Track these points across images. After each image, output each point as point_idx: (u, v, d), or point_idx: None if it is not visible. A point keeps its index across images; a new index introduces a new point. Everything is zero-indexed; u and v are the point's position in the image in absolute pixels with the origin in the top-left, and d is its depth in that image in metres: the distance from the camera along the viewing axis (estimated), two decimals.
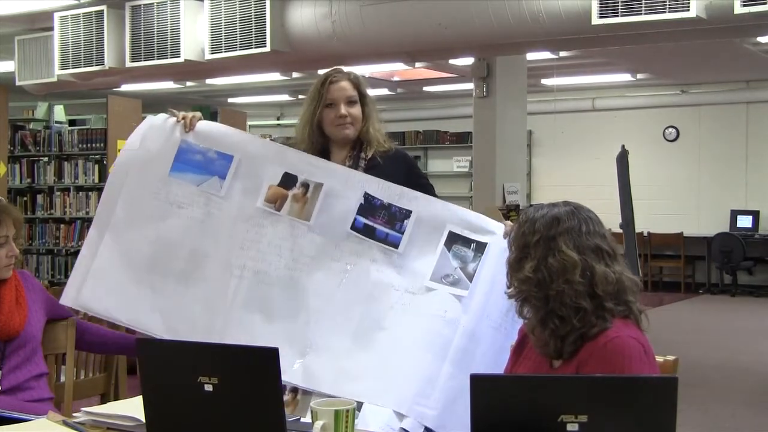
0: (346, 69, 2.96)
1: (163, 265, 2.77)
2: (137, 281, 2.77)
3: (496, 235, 2.68)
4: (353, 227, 2.71)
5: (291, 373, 2.57)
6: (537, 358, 2.09)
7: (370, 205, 2.72)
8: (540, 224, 2.03)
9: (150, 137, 2.86)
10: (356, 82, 2.91)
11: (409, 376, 2.55)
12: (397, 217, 2.70)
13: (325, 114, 2.87)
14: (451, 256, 2.66)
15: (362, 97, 2.91)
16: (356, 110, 2.88)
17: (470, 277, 2.63)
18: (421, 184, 2.93)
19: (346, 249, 2.71)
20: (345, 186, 2.75)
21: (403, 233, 2.68)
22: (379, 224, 2.70)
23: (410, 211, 2.70)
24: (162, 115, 2.89)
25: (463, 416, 2.47)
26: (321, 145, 2.91)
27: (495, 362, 2.49)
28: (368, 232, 2.71)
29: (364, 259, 2.69)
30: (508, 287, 2.09)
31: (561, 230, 2.00)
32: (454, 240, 2.67)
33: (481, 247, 2.65)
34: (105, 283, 2.79)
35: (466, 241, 2.67)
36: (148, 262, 2.78)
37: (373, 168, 2.87)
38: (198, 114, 2.90)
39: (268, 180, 2.78)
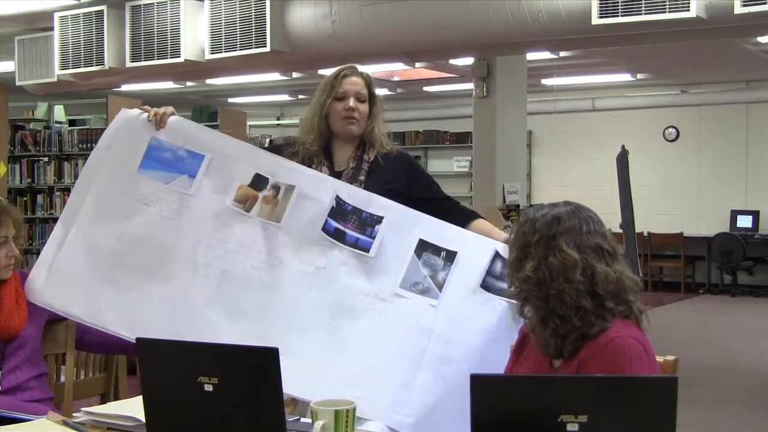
0: (360, 68, 2.98)
1: (127, 263, 2.72)
2: (100, 278, 2.71)
3: (467, 244, 2.65)
4: (324, 229, 2.67)
5: None
6: (537, 358, 2.09)
7: (341, 210, 2.68)
8: (540, 224, 2.03)
9: (121, 133, 2.82)
10: (368, 81, 2.94)
11: (383, 384, 2.50)
12: (368, 222, 2.67)
13: (334, 106, 2.88)
14: (421, 263, 2.63)
15: (371, 97, 2.93)
16: (364, 107, 2.90)
17: (440, 286, 2.60)
18: (424, 183, 2.94)
19: (317, 252, 2.66)
20: (317, 189, 2.72)
21: (374, 238, 2.65)
22: (350, 229, 2.66)
23: (381, 218, 2.67)
24: (135, 110, 2.85)
25: (442, 423, 2.46)
26: (327, 138, 2.91)
27: (477, 367, 2.44)
28: (338, 236, 2.66)
29: (334, 262, 2.64)
30: (509, 287, 2.10)
31: (561, 229, 2.00)
32: (424, 248, 2.64)
33: (451, 256, 2.63)
34: (67, 279, 2.73)
35: (436, 249, 2.64)
36: (111, 259, 2.73)
37: (375, 170, 2.86)
38: (170, 109, 2.84)
39: (239, 180, 2.74)
